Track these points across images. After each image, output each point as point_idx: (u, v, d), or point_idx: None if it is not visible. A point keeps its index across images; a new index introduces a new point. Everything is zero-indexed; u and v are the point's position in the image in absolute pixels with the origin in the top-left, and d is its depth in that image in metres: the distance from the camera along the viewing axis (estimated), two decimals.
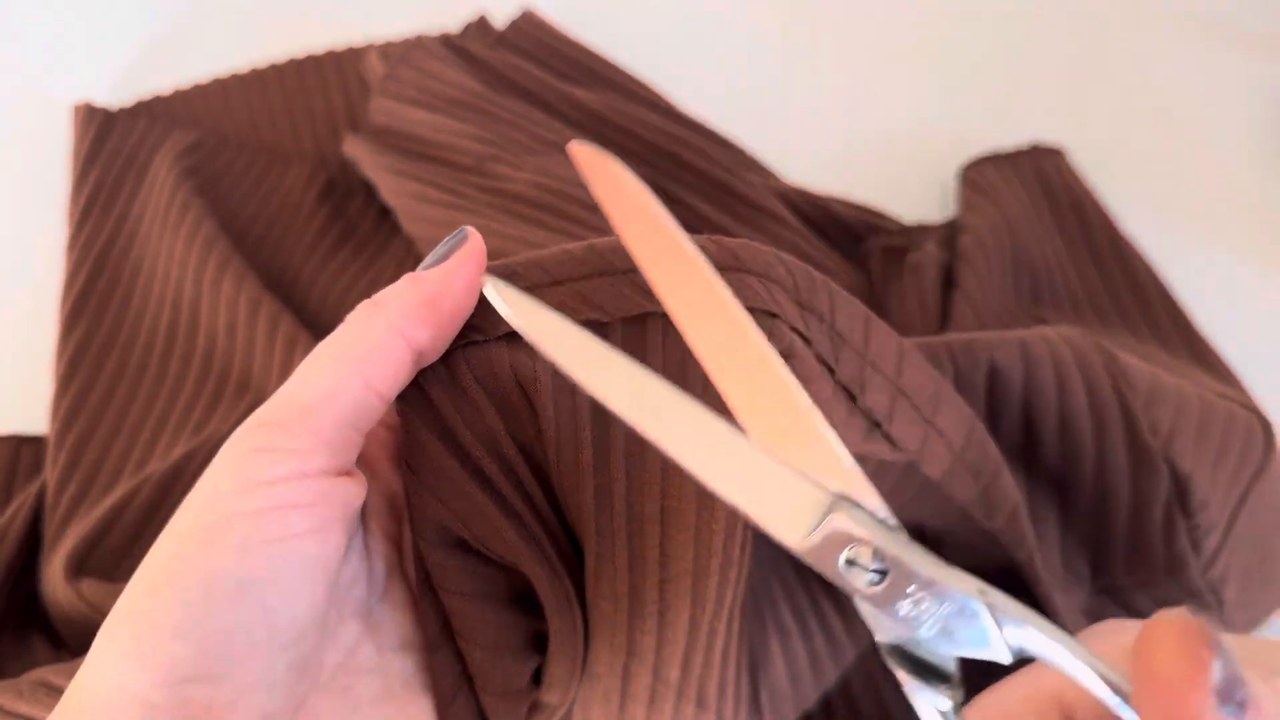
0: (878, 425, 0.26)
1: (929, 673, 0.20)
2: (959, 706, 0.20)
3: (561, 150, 0.49)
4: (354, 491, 0.22)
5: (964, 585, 0.19)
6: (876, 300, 0.47)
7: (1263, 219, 0.52)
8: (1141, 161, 0.55)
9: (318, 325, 0.46)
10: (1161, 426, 0.33)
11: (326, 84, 0.56)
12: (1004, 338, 0.32)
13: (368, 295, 0.50)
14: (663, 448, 0.20)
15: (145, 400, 0.44)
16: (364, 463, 0.25)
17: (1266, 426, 0.36)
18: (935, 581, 0.19)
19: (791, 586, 0.32)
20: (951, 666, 0.20)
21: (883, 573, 0.19)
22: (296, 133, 0.55)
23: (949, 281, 0.46)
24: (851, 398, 0.25)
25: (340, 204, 0.52)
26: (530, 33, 0.56)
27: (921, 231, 0.49)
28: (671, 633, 0.27)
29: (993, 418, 0.32)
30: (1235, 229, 0.52)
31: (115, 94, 0.56)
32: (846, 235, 0.49)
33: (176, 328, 0.46)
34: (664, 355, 0.23)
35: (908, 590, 0.19)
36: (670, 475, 0.24)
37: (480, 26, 0.58)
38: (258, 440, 0.21)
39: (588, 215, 0.45)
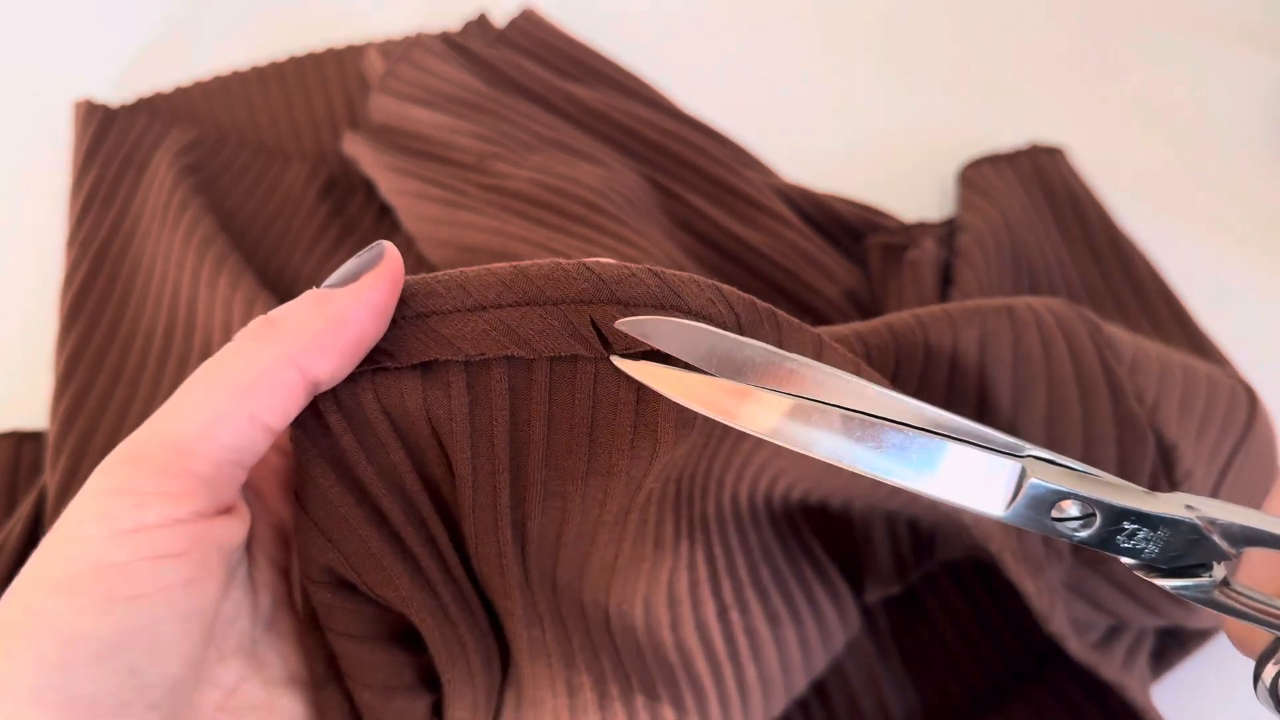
0: None
1: (1183, 572, 0.20)
2: (1227, 579, 0.20)
3: (562, 147, 0.49)
4: (235, 530, 0.20)
5: (1170, 508, 0.19)
6: (875, 297, 0.47)
7: (1262, 217, 0.52)
8: (1141, 160, 0.55)
9: None
10: (1147, 395, 0.33)
11: (326, 82, 0.56)
12: (992, 304, 0.32)
13: None
14: (845, 466, 0.20)
15: (144, 401, 0.44)
16: (251, 489, 0.23)
17: (1251, 394, 0.36)
18: (1143, 511, 0.19)
19: (783, 575, 0.32)
20: (1199, 554, 0.20)
21: (1091, 515, 0.20)
22: (296, 130, 0.55)
23: (947, 279, 0.46)
24: None
25: (340, 202, 0.52)
26: (530, 30, 0.56)
27: (921, 229, 0.49)
28: (591, 631, 0.26)
29: (983, 387, 0.32)
30: (1234, 227, 0.52)
31: (116, 91, 0.56)
32: (846, 233, 0.49)
33: (174, 327, 0.46)
34: (594, 399, 0.22)
35: (1123, 526, 0.19)
36: (590, 505, 0.23)
37: (480, 24, 0.58)
38: (124, 479, 0.19)
39: (587, 213, 0.45)
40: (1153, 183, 0.54)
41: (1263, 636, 0.21)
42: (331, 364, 0.20)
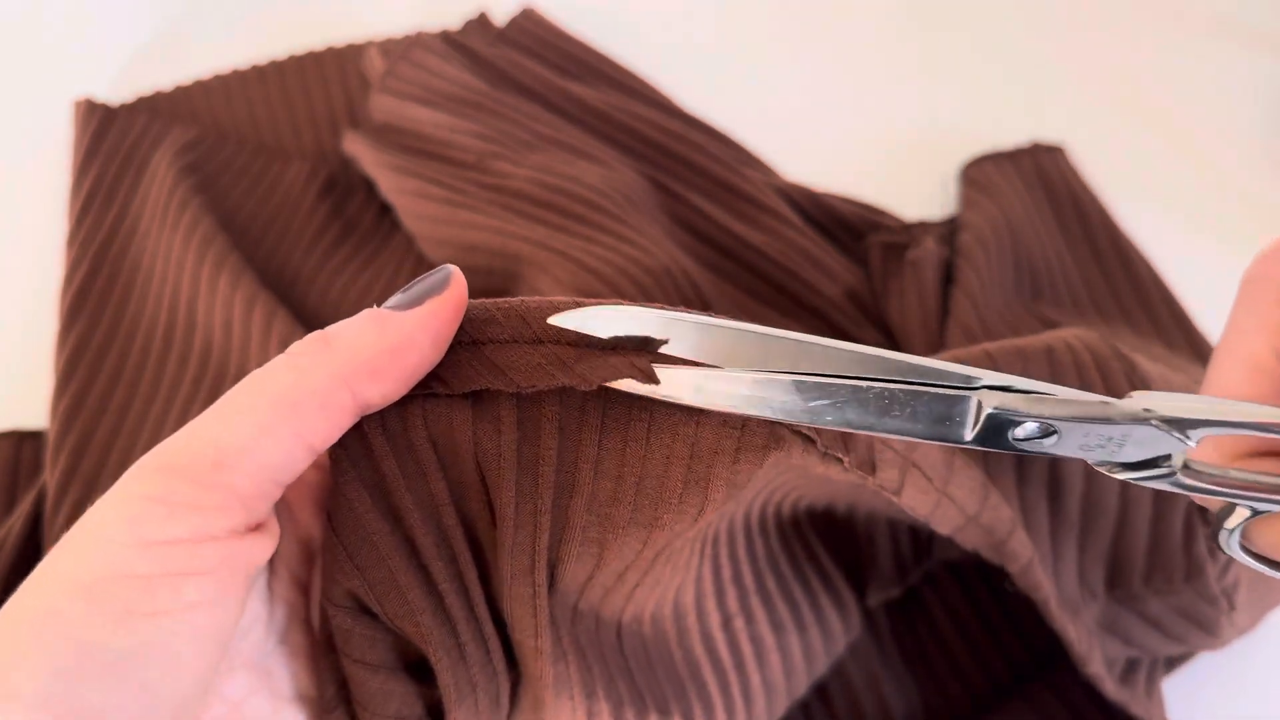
0: (894, 494, 0.25)
1: (1147, 465, 0.21)
2: (1185, 464, 0.21)
3: (562, 146, 0.49)
4: (263, 548, 0.19)
5: (1128, 408, 0.20)
6: (876, 296, 0.47)
7: (1262, 217, 0.52)
8: (1141, 159, 0.55)
9: (317, 322, 0.46)
10: None
11: (327, 81, 0.56)
12: (1033, 345, 0.32)
13: (367, 292, 0.50)
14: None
15: (144, 401, 0.44)
16: (281, 501, 0.22)
17: None
18: (1099, 420, 0.20)
19: (788, 582, 0.32)
20: (1158, 449, 0.21)
21: (1053, 431, 0.20)
22: (297, 129, 0.55)
23: (949, 278, 0.46)
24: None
25: (340, 201, 0.52)
26: (531, 29, 0.56)
27: (922, 228, 0.49)
28: (606, 657, 0.26)
29: None
30: (1235, 226, 0.52)
31: (116, 89, 0.56)
32: (847, 232, 0.49)
33: (174, 326, 0.46)
34: (646, 449, 0.21)
35: (1085, 435, 0.20)
36: (626, 553, 0.23)
37: (481, 23, 0.58)
38: (158, 486, 0.18)
39: (588, 212, 0.45)
40: (1153, 183, 0.54)
41: (1218, 499, 0.23)
42: (384, 388, 0.19)
